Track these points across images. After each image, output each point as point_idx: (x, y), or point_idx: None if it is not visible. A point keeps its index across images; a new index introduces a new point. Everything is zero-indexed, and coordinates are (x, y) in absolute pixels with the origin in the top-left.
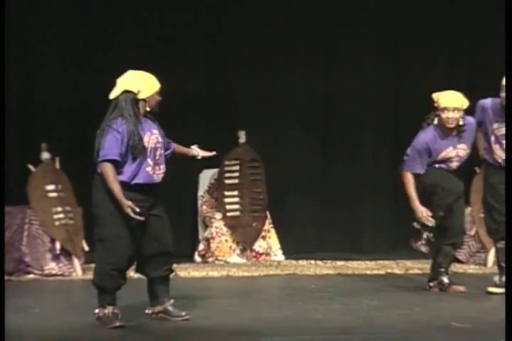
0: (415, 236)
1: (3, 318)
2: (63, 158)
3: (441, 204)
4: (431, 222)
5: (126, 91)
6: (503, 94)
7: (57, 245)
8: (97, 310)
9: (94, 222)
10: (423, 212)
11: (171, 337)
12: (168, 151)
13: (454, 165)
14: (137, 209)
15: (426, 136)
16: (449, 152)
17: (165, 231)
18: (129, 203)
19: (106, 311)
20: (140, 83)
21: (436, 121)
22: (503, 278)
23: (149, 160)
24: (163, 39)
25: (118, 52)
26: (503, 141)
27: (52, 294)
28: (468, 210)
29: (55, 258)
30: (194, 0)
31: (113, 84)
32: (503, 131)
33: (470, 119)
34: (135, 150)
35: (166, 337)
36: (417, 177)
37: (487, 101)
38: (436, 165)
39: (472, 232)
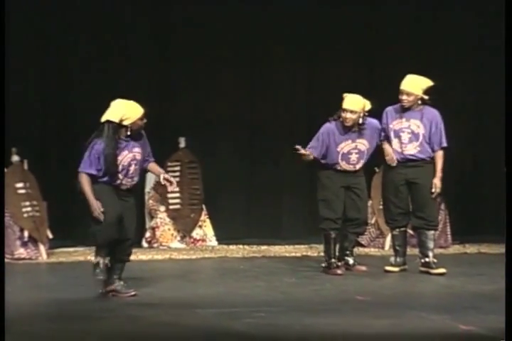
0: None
1: (3, 301)
2: (31, 160)
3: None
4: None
5: (109, 121)
6: (401, 97)
7: (26, 234)
8: (93, 258)
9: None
10: None
11: (120, 310)
12: (144, 165)
13: (354, 157)
14: (102, 210)
15: (329, 125)
16: (348, 144)
17: (134, 221)
18: (98, 205)
19: (100, 260)
20: (123, 113)
21: (341, 118)
22: (398, 259)
23: (119, 175)
24: (114, 49)
25: (83, 59)
26: (401, 134)
27: (22, 275)
28: (369, 203)
29: (24, 244)
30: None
31: (78, 94)
32: (401, 125)
33: (371, 120)
34: (108, 170)
35: (116, 310)
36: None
37: (389, 107)
38: (329, 167)
39: (372, 221)
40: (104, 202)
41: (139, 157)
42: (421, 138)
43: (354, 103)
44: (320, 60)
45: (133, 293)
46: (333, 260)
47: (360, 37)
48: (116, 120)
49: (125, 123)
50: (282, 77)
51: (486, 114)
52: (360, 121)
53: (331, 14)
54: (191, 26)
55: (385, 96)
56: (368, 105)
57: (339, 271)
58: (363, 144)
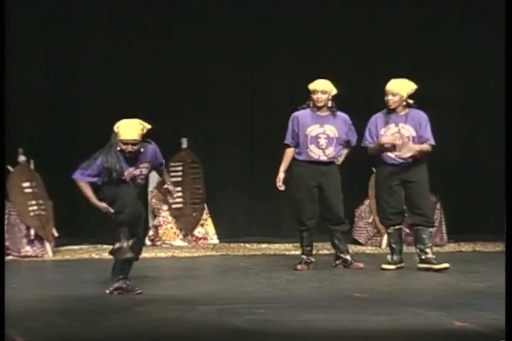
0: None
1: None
2: (37, 160)
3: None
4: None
5: (113, 132)
6: (387, 98)
7: (32, 232)
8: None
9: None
10: None
11: (123, 306)
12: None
13: (323, 142)
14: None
15: (297, 112)
16: (316, 128)
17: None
18: (103, 205)
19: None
20: (117, 128)
21: (311, 104)
22: (394, 257)
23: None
24: (117, 50)
25: (87, 60)
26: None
27: (28, 272)
28: (366, 202)
29: (30, 242)
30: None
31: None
32: (391, 130)
33: (341, 113)
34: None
35: (120, 307)
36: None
37: (374, 115)
38: (300, 158)
39: (370, 220)
40: (121, 201)
41: (145, 172)
42: (412, 141)
43: (323, 84)
44: (320, 60)
45: (139, 291)
46: (303, 256)
47: (360, 37)
48: (116, 132)
49: (118, 138)
50: (282, 78)
51: (481, 113)
52: (329, 104)
53: (330, 14)
54: (192, 27)
55: (383, 96)
56: (334, 90)
57: (299, 267)
58: (332, 130)
